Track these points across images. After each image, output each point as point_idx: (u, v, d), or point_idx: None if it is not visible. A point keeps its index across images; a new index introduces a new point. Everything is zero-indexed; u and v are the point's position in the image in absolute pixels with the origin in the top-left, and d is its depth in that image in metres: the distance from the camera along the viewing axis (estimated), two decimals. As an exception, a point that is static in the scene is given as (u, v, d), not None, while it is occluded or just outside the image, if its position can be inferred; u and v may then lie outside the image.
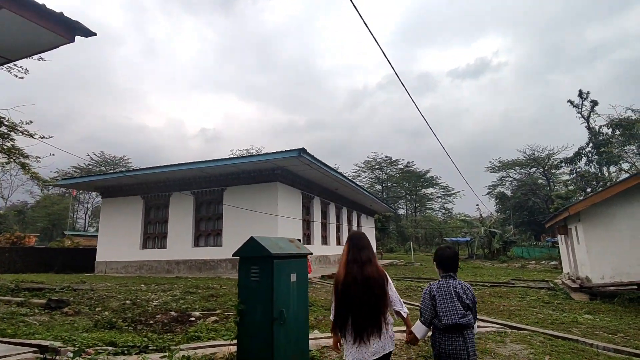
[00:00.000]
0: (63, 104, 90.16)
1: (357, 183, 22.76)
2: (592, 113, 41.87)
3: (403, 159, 67.11)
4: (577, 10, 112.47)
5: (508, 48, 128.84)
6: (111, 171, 17.41)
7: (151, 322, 6.69)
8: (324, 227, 22.76)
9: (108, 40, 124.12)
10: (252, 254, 3.73)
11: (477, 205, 52.27)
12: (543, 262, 28.76)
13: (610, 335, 6.25)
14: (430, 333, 2.89)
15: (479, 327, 6.46)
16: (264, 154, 15.37)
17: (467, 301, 2.75)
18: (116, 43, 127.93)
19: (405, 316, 2.84)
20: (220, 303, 8.72)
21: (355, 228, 28.57)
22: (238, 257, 3.85)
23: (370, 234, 33.65)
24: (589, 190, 45.69)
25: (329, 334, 5.85)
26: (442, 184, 66.81)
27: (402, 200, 72.03)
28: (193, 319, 6.91)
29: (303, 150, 14.65)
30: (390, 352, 2.68)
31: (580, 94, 42.72)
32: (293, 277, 3.92)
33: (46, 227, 53.10)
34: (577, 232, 12.06)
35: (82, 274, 19.09)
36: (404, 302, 3.07)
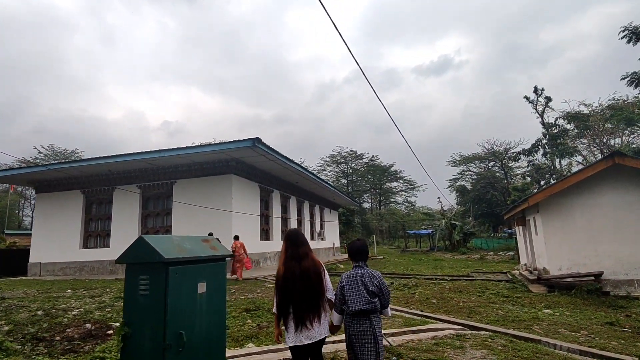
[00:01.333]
0: (9, 93, 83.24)
1: (318, 176, 22.04)
2: (546, 108, 43.50)
3: (368, 153, 67.45)
4: (534, 11, 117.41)
5: (469, 47, 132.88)
6: (41, 164, 15.54)
7: (57, 338, 5.58)
8: (285, 221, 21.88)
9: (60, 25, 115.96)
10: (141, 259, 2.81)
11: (439, 198, 53.29)
12: (501, 253, 29.40)
13: (573, 334, 5.84)
14: None
15: (437, 328, 5.99)
16: (215, 144, 14.27)
17: (372, 288, 2.98)
18: (70, 29, 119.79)
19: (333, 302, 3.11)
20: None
21: (317, 222, 27.90)
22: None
23: (334, 228, 33.14)
24: (542, 182, 47.71)
25: (267, 346, 5.06)
26: (405, 178, 67.74)
27: (367, 194, 72.41)
28: (111, 332, 5.86)
29: (257, 139, 13.68)
30: (325, 338, 2.95)
31: (535, 90, 44.16)
32: (201, 288, 3.04)
33: (-11, 225, 48.66)
34: (535, 223, 11.93)
35: (16, 277, 17.24)
36: None
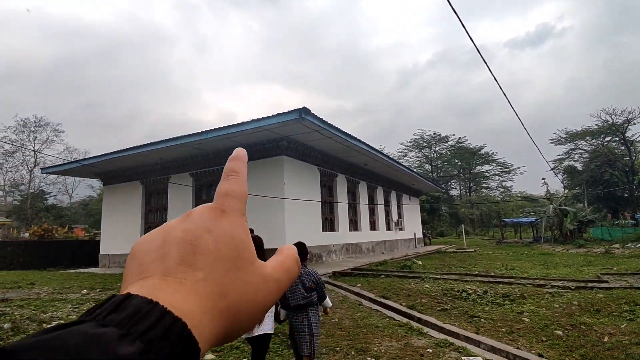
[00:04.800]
0: (129, 104, 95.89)
1: (390, 156, 18.99)
2: None
3: (454, 135, 61.29)
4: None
5: (573, 11, 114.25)
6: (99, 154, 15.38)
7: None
8: (353, 209, 19.29)
9: (161, 39, 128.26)
10: None
11: (544, 179, 45.89)
12: (630, 244, 23.12)
13: None
14: None
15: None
16: (257, 119, 12.22)
17: (309, 284, 3.38)
18: (169, 42, 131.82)
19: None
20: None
21: (394, 210, 24.76)
22: None
23: (415, 217, 29.59)
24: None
25: None
26: (499, 160, 60.19)
27: (455, 180, 66.27)
28: None
29: (305, 110, 11.25)
30: (267, 335, 3.35)
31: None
32: None
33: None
34: None
35: (89, 267, 17.49)
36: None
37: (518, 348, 4.67)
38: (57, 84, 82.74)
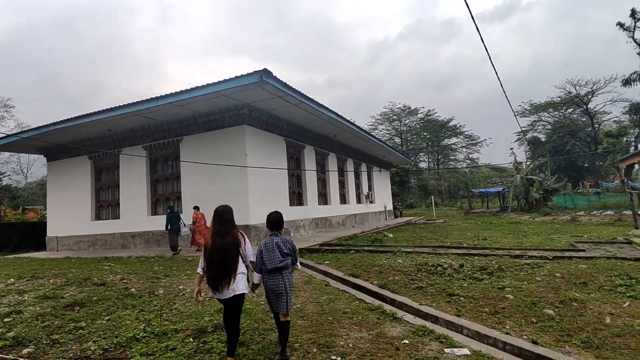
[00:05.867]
0: (88, 78, 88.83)
1: (360, 127, 18.14)
2: None
3: (423, 107, 61.17)
4: None
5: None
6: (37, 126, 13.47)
7: None
8: (323, 183, 18.48)
9: (123, 9, 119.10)
10: None
11: (512, 149, 46.61)
12: (595, 212, 23.77)
13: None
14: None
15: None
16: (214, 83, 10.94)
17: (286, 250, 3.69)
18: (131, 12, 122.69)
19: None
20: (75, 319, 4.81)
21: (365, 183, 24.18)
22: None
23: (385, 190, 29.25)
24: (644, 126, 39.25)
25: None
26: (466, 133, 60.92)
27: (423, 153, 66.79)
28: None
29: (265, 72, 10.08)
30: (240, 295, 3.51)
31: (633, 13, 35.39)
32: None
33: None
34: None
35: (39, 251, 15.93)
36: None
37: (507, 333, 4.04)
38: (8, 58, 75.68)
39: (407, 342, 3.78)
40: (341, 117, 15.50)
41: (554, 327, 4.13)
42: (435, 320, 4.64)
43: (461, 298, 5.37)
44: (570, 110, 54.44)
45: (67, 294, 6.09)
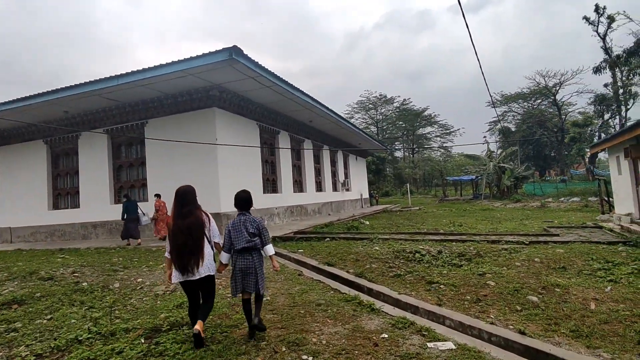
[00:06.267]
0: (51, 61, 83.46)
1: (336, 112, 17.70)
2: (608, 30, 35.81)
3: (399, 96, 61.29)
4: None
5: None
6: None
7: None
8: (298, 170, 18.00)
9: None
10: None
11: (485, 137, 47.46)
12: (562, 199, 24.45)
13: None
14: None
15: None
16: (179, 61, 10.20)
17: (253, 230, 3.61)
18: None
19: (221, 245, 3.74)
20: (9, 320, 4.20)
21: (341, 171, 23.84)
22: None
23: (362, 178, 29.08)
24: (608, 116, 40.70)
25: None
26: (440, 122, 61.67)
27: (399, 142, 67.18)
28: None
29: (235, 49, 9.45)
30: (211, 276, 3.48)
31: (597, 8, 36.42)
32: None
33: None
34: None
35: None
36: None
37: (492, 323, 3.75)
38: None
39: (386, 336, 3.43)
40: (317, 101, 15.00)
41: (540, 315, 3.89)
42: (415, 310, 4.32)
43: (441, 286, 5.08)
44: (538, 101, 55.89)
45: (6, 291, 5.41)
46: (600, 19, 36.49)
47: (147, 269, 6.73)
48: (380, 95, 59.95)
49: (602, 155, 45.15)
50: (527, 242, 7.92)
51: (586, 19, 37.32)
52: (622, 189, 11.14)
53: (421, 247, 7.55)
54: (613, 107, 38.95)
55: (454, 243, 8.17)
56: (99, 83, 11.11)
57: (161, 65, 10.27)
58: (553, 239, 8.29)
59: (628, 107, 36.60)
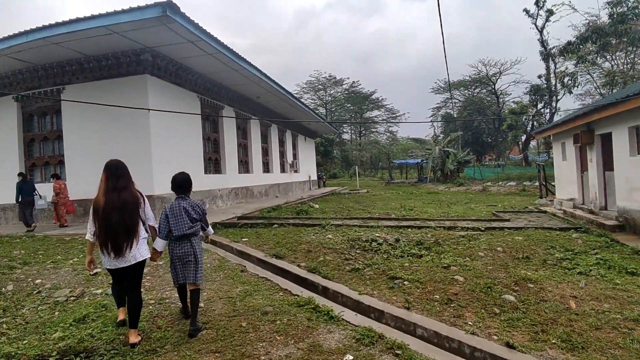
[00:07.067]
0: None
1: (285, 88, 16.63)
2: (546, 23, 37.81)
3: (348, 78, 60.94)
4: None
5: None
6: None
7: None
8: (244, 149, 16.81)
9: None
10: None
11: (432, 122, 48.90)
12: (501, 183, 25.65)
13: None
14: None
15: None
16: (100, 15, 8.58)
17: (194, 215, 3.40)
18: None
19: (156, 228, 3.42)
20: None
21: (289, 151, 22.91)
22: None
23: (310, 159, 28.38)
24: (541, 105, 43.41)
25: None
26: (387, 106, 62.54)
27: (346, 125, 67.29)
28: None
29: (170, 5, 8.05)
30: (144, 260, 3.19)
31: (537, 1, 38.11)
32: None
33: None
34: (616, 140, 7.46)
35: None
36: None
37: (473, 333, 3.20)
38: None
39: (350, 358, 2.72)
40: (266, 75, 13.84)
41: (523, 321, 3.42)
42: (380, 315, 3.68)
43: (405, 282, 4.51)
44: (478, 90, 58.47)
45: None
46: (539, 12, 38.31)
47: (52, 266, 5.47)
48: (330, 76, 59.18)
49: (532, 143, 48.56)
50: (483, 229, 7.68)
51: (526, 11, 38.98)
52: (564, 174, 11.46)
53: (377, 234, 7.00)
54: (546, 97, 41.67)
55: (409, 230, 7.73)
56: (4, 41, 9.11)
57: (79, 19, 8.57)
58: (506, 225, 8.16)
59: (559, 98, 39.28)
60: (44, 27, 8.91)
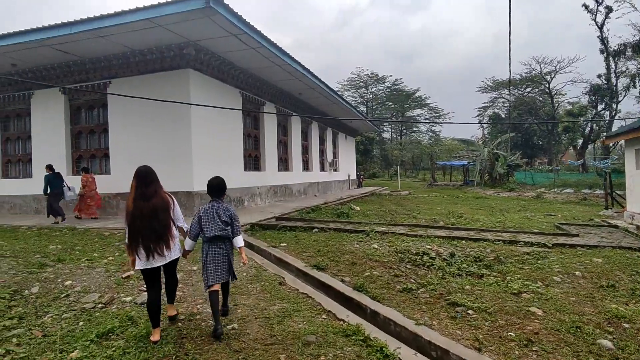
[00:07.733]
0: None
1: (329, 86, 16.11)
2: (606, 19, 34.66)
3: (391, 76, 59.52)
4: None
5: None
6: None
7: None
8: (284, 147, 16.51)
9: None
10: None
11: (480, 122, 46.66)
12: (556, 189, 23.71)
13: None
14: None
15: None
16: (145, 8, 8.41)
17: (225, 219, 3.48)
18: None
19: (185, 230, 3.53)
20: None
21: (329, 150, 22.40)
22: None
23: (350, 158, 27.74)
24: (601, 107, 40.03)
25: None
26: (431, 105, 60.36)
27: (387, 123, 65.83)
28: None
29: (214, -4, 7.73)
30: (177, 259, 3.42)
31: (596, -3, 35.05)
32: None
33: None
34: None
35: None
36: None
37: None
38: None
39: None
40: (309, 71, 13.38)
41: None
42: (444, 355, 3.05)
43: (469, 311, 3.83)
44: (529, 89, 54.99)
45: None
46: (598, 7, 35.29)
47: (87, 265, 5.27)
48: (372, 73, 57.99)
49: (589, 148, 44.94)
50: (551, 245, 6.75)
51: (585, 6, 36.07)
52: (638, 185, 10.10)
53: (429, 246, 6.30)
54: (606, 98, 38.31)
55: (463, 242, 6.95)
56: (46, 31, 9.22)
57: (123, 12, 8.48)
58: (576, 242, 7.15)
59: (619, 99, 36.01)
60: (89, 20, 8.89)
